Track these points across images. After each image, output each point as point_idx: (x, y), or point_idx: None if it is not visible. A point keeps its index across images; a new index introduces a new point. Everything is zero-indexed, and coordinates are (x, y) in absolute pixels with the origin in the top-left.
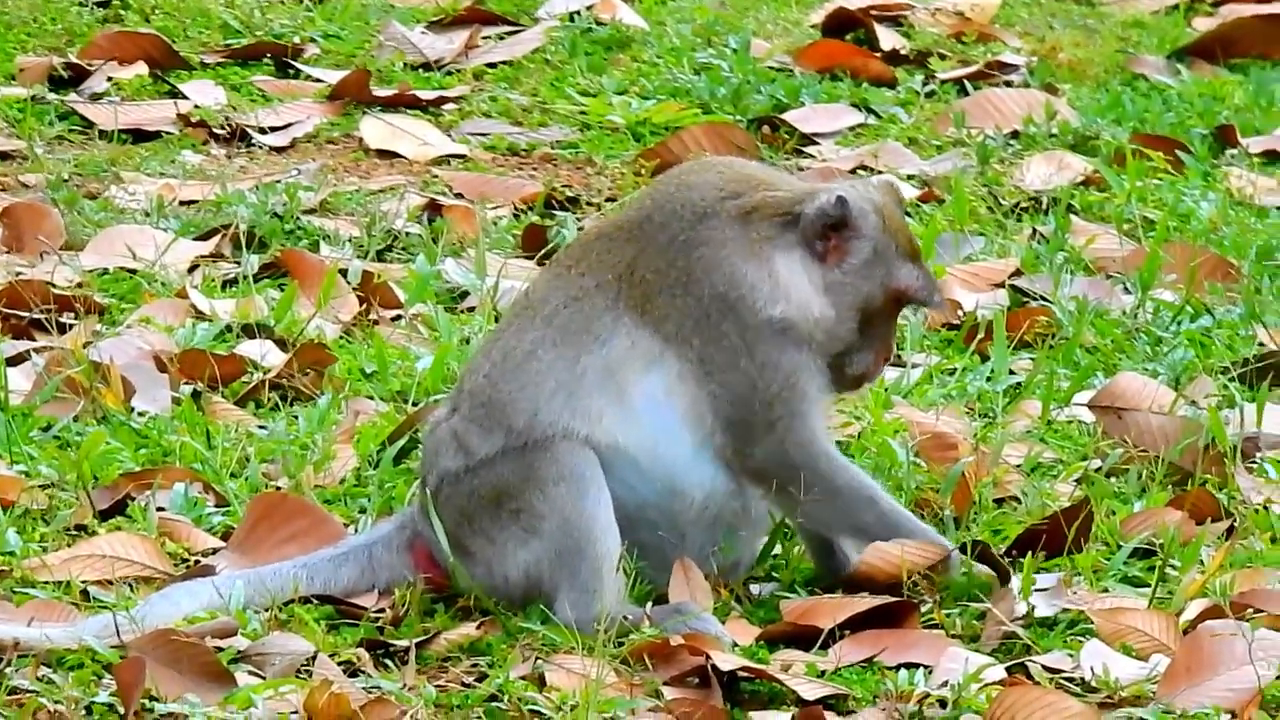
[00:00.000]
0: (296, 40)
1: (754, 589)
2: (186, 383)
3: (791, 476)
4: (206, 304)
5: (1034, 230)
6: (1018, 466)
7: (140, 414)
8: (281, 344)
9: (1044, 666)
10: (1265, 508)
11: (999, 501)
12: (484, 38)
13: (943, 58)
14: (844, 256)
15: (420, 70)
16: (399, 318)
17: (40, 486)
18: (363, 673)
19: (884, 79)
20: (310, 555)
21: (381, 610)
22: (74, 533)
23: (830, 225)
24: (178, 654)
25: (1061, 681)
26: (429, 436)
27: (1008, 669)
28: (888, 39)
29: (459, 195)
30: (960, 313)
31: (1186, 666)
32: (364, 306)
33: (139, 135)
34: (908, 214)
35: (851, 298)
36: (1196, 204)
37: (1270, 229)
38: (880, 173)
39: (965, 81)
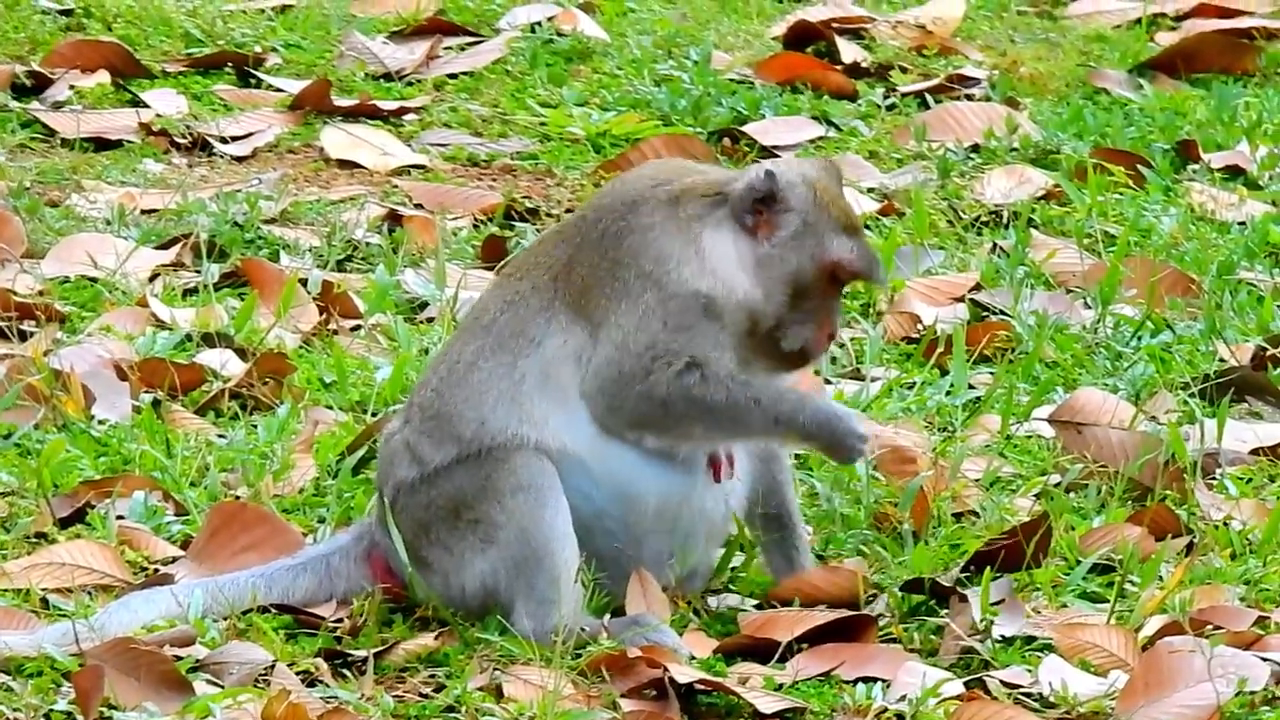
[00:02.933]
0: (258, 50)
1: (711, 601)
2: (146, 391)
3: (667, 410)
4: (167, 313)
5: (994, 244)
6: (977, 481)
7: (100, 422)
8: (241, 353)
9: (1002, 682)
10: (1225, 524)
11: (958, 516)
12: (445, 48)
13: (904, 71)
14: (773, 230)
15: (381, 80)
16: (358, 328)
17: (0, 494)
18: (321, 682)
19: (845, 92)
20: (269, 564)
21: (340, 620)
22: (33, 540)
23: (759, 199)
24: (136, 662)
25: (1019, 697)
26: (383, 448)
27: (966, 684)
28: (849, 52)
29: (419, 206)
30: (920, 326)
31: (1145, 683)
32: (324, 316)
33: (101, 144)
34: (867, 226)
35: (780, 270)
36: (1158, 219)
37: (1231, 244)
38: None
39: (926, 95)
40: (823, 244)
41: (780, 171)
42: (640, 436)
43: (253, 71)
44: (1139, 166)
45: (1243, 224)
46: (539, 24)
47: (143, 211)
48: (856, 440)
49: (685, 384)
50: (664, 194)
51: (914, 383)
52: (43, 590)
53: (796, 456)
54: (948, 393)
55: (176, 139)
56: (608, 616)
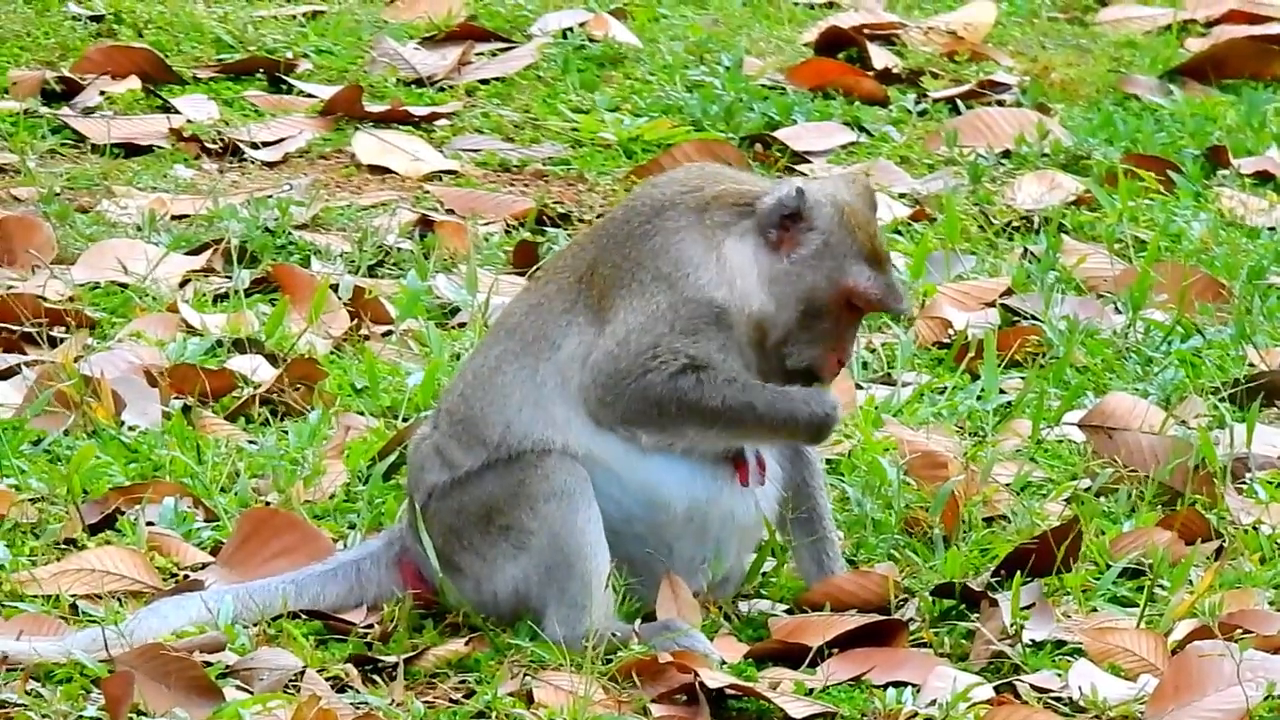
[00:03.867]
0: (289, 55)
1: (742, 606)
2: (177, 397)
3: (660, 409)
4: (197, 318)
5: (1025, 249)
6: (1007, 485)
7: (130, 428)
8: (272, 359)
9: (1032, 686)
10: (1255, 528)
11: (988, 520)
12: (477, 54)
13: (935, 76)
14: (795, 247)
15: (412, 86)
16: (390, 333)
17: (30, 500)
18: (351, 688)
19: (876, 97)
20: (299, 571)
21: (370, 626)
22: (63, 547)
23: (787, 215)
24: (166, 668)
25: (1050, 701)
26: (413, 453)
27: (996, 688)
28: (880, 58)
29: (450, 211)
30: (951, 331)
31: (1175, 687)
32: (355, 322)
33: (131, 149)
34: (898, 232)
35: (794, 287)
36: (1188, 224)
37: (1261, 250)
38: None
39: (957, 100)
40: (841, 268)
41: (811, 190)
42: (633, 433)
43: (284, 77)
44: (1169, 172)
45: (1273, 229)
46: (570, 29)
47: (173, 217)
48: (836, 412)
49: (680, 386)
50: (693, 200)
51: (945, 388)
52: (72, 596)
53: (828, 461)
54: (978, 397)
55: (207, 144)
56: (639, 622)
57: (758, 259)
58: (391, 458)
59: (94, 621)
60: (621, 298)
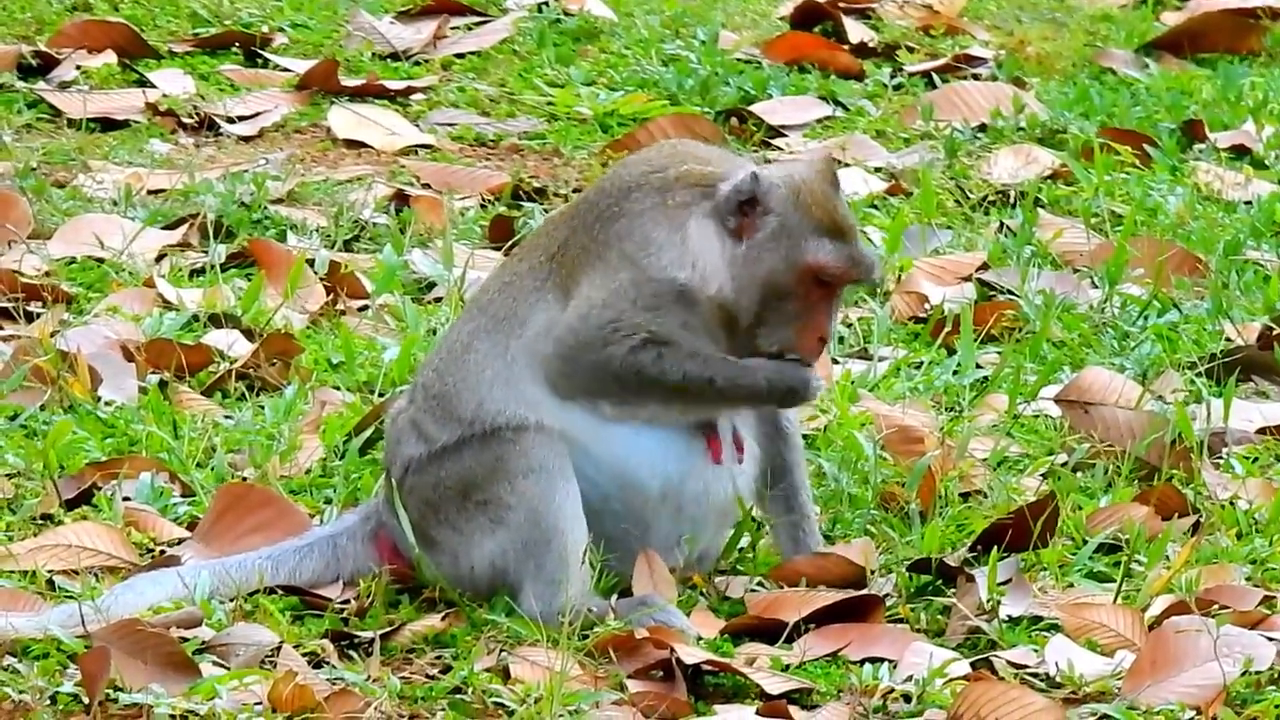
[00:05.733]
0: (265, 30)
1: (719, 581)
2: (153, 372)
3: (623, 382)
4: (174, 293)
5: (1001, 224)
6: (984, 461)
7: (107, 403)
8: (248, 334)
9: (1009, 662)
10: (1231, 503)
11: (965, 496)
12: (452, 28)
13: (910, 50)
14: (753, 232)
15: (388, 60)
16: (366, 308)
17: (6, 475)
18: (327, 664)
19: (852, 71)
20: (275, 546)
21: (346, 601)
22: (40, 522)
23: (743, 202)
24: (142, 644)
25: (1026, 677)
26: (390, 426)
27: (972, 664)
28: (856, 31)
29: (426, 185)
30: (927, 306)
31: (1152, 662)
32: (331, 297)
33: (107, 124)
34: (874, 206)
35: (753, 271)
36: (1164, 198)
37: (1238, 224)
38: (847, 165)
39: (933, 74)
40: (799, 246)
41: (764, 174)
42: (593, 404)
43: (260, 51)
44: (1145, 146)
45: (1249, 203)
46: (546, 3)
47: (149, 192)
48: (809, 387)
49: (639, 360)
50: (658, 180)
51: (921, 362)
52: (49, 572)
53: (805, 437)
54: (955, 372)
55: (183, 119)
56: (615, 597)
57: (721, 242)
58: (368, 432)
59: (71, 597)
60: (587, 275)
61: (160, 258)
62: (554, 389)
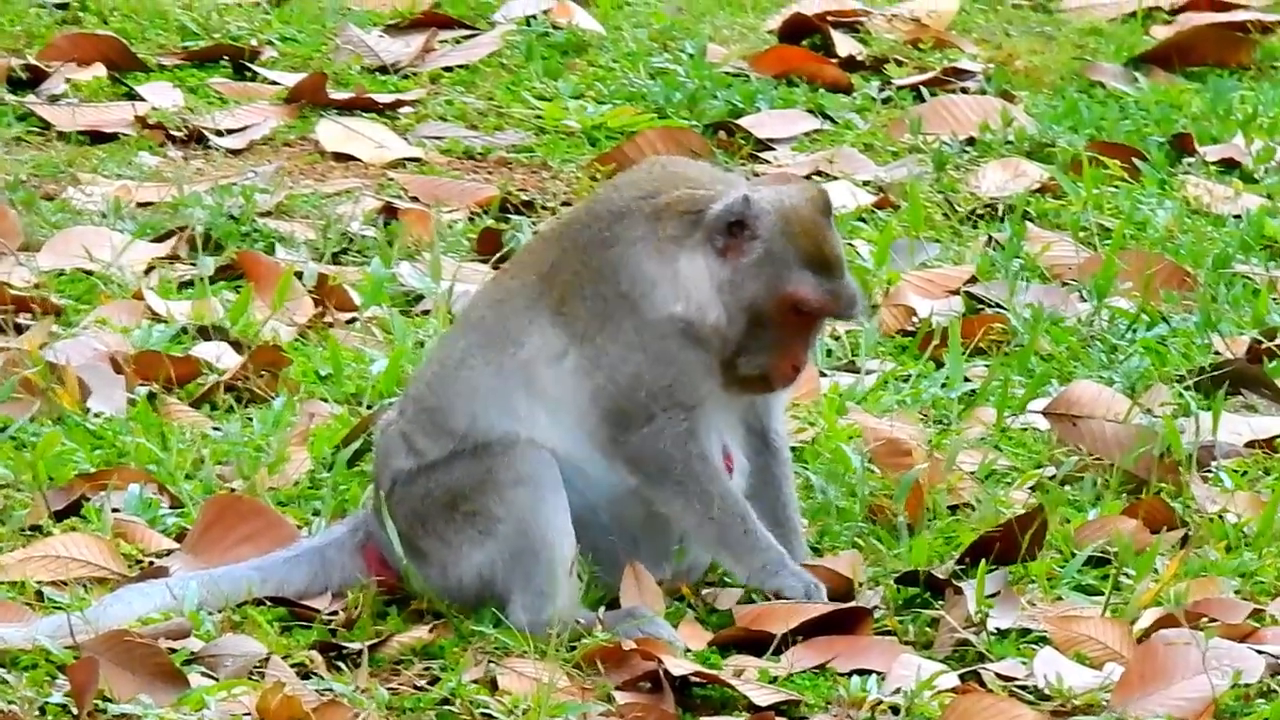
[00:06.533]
0: (254, 43)
1: (706, 593)
2: (142, 384)
3: (665, 468)
4: (162, 305)
5: (990, 237)
6: (972, 473)
7: (96, 415)
8: (237, 346)
9: (997, 674)
10: (1220, 517)
11: (953, 508)
12: (440, 41)
13: (899, 64)
14: (740, 255)
15: (376, 73)
16: (354, 320)
17: None
18: (315, 675)
19: (840, 85)
20: (263, 557)
21: (334, 613)
22: (29, 533)
23: (732, 223)
24: (131, 655)
25: (1015, 689)
26: (379, 438)
27: (960, 676)
28: (844, 45)
29: (414, 198)
30: (915, 319)
31: (1140, 675)
32: (319, 309)
33: (96, 137)
34: (862, 219)
35: (739, 296)
36: (1153, 212)
37: (1226, 237)
38: (835, 178)
39: (921, 88)
40: (781, 276)
41: (756, 198)
42: (627, 474)
43: (248, 64)
44: (1134, 160)
45: (1238, 217)
46: (534, 17)
47: (138, 205)
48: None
49: (688, 450)
50: (648, 207)
51: (909, 375)
52: (38, 583)
53: (793, 449)
54: (943, 385)
55: (172, 132)
56: (603, 609)
57: (710, 270)
58: (356, 444)
59: (59, 608)
60: (587, 311)
61: (149, 270)
62: (604, 454)
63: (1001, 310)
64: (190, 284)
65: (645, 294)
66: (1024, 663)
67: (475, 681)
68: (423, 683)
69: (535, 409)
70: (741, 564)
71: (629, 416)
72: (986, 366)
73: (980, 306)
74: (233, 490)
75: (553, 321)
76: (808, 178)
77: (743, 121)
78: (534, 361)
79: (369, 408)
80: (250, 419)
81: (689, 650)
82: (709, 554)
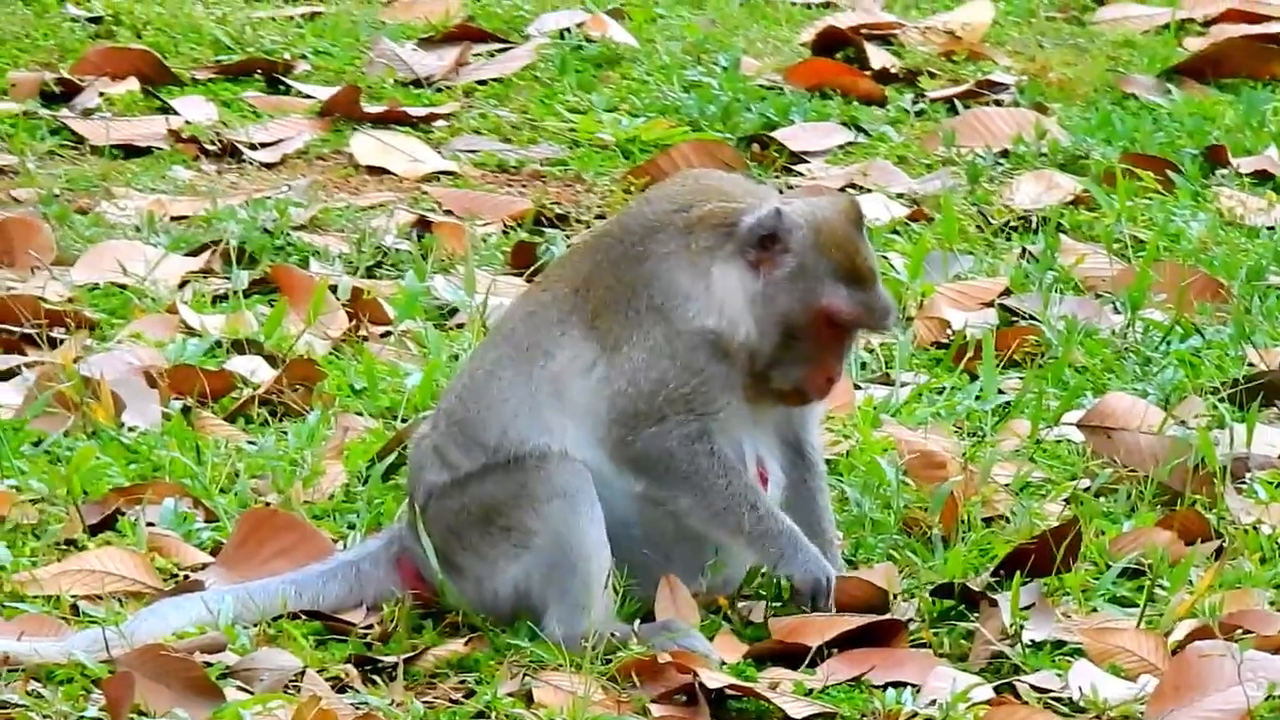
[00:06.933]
0: (287, 56)
1: (742, 606)
2: (176, 398)
3: (669, 466)
4: (196, 319)
5: (1023, 249)
6: (1006, 486)
7: (130, 429)
8: (271, 360)
9: (1032, 686)
10: (1255, 528)
11: (987, 521)
12: (474, 55)
13: (932, 76)
14: (772, 269)
15: (410, 87)
16: (388, 334)
17: (30, 501)
18: (351, 689)
19: (874, 97)
20: (299, 571)
21: (370, 626)
22: (64, 547)
23: (765, 236)
24: (166, 669)
25: (1049, 701)
26: (413, 452)
27: (995, 689)
28: (878, 58)
29: (448, 212)
30: (949, 332)
31: (1175, 687)
32: (353, 323)
33: (130, 151)
34: (895, 232)
35: (771, 310)
36: (1186, 224)
37: (1260, 249)
38: (869, 191)
39: (955, 100)
40: (814, 289)
41: (788, 211)
42: (635, 480)
43: (282, 78)
44: (1168, 171)
45: (1271, 229)
46: (568, 30)
47: (172, 218)
48: (821, 588)
49: (694, 449)
50: (681, 221)
51: (943, 388)
52: (73, 597)
53: (828, 462)
54: (977, 397)
55: (206, 146)
56: (638, 622)
57: (743, 282)
58: (390, 458)
59: (94, 622)
60: (619, 324)
61: (183, 284)
62: (611, 456)
63: (1035, 322)
64: (224, 298)
65: (678, 307)
66: (1059, 675)
67: (511, 695)
68: (458, 696)
69: (565, 421)
70: (755, 550)
71: (639, 418)
72: (1020, 379)
73: (1014, 319)
74: (268, 504)
75: (585, 335)
76: (841, 190)
77: (776, 134)
78: (564, 374)
79: (403, 421)
80: (285, 433)
81: (724, 663)
82: (724, 547)
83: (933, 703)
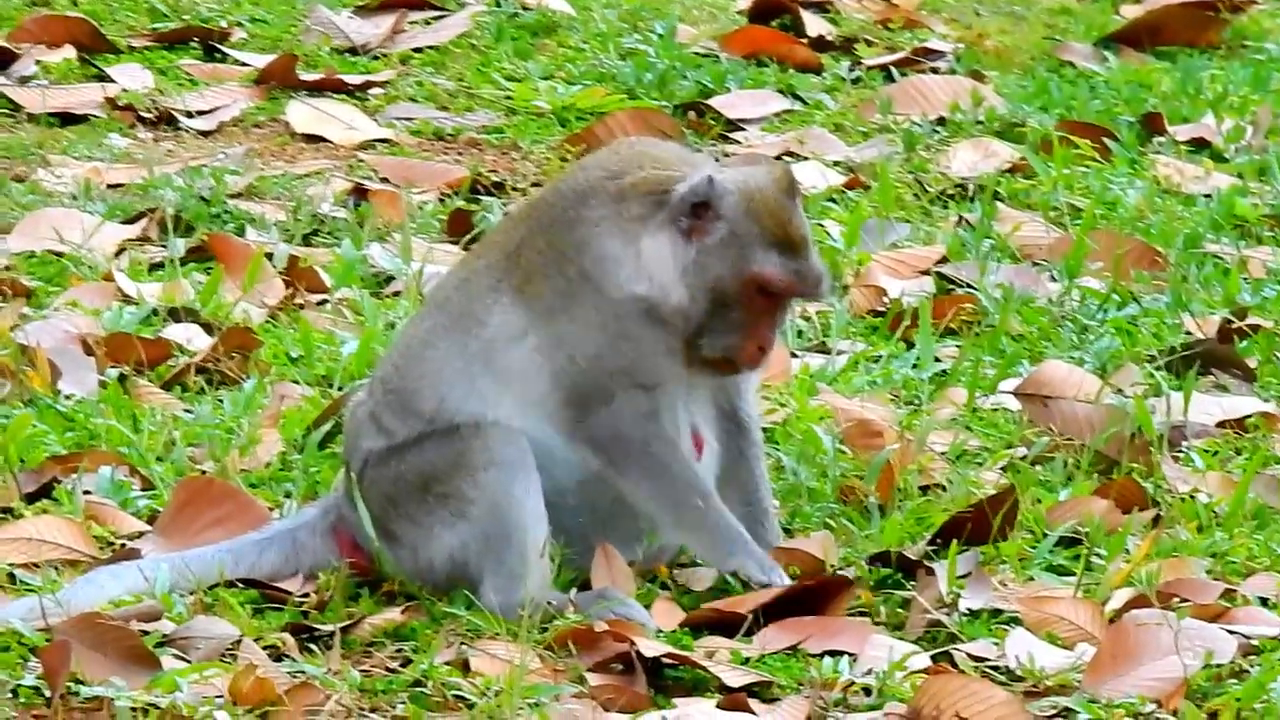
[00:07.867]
0: (223, 24)
1: (678, 574)
2: (113, 366)
3: (625, 449)
4: (133, 287)
5: (960, 217)
6: (943, 454)
7: (67, 397)
8: (207, 328)
9: (969, 655)
10: (1191, 497)
11: (924, 489)
12: (410, 22)
13: (869, 44)
14: (704, 236)
15: (346, 55)
16: (324, 302)
17: None
18: (287, 657)
19: (810, 65)
20: (235, 539)
21: (306, 595)
22: (0, 516)
23: (697, 204)
24: (103, 637)
25: (986, 670)
26: (350, 420)
27: (932, 657)
28: (814, 25)
29: (385, 180)
30: (886, 299)
31: (1112, 655)
32: (290, 291)
33: (66, 118)
34: (832, 200)
35: (703, 278)
36: (1123, 191)
37: (1197, 217)
38: (805, 159)
39: (891, 68)
40: (746, 256)
41: (720, 179)
42: (588, 455)
43: (218, 46)
44: (1104, 139)
45: (1208, 196)
46: None
47: (109, 186)
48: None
49: (647, 430)
50: (614, 188)
51: (880, 356)
52: (9, 566)
53: (764, 430)
54: (914, 366)
55: (142, 114)
56: (574, 591)
57: (674, 251)
58: (327, 426)
59: (31, 590)
60: (550, 291)
61: (119, 252)
62: (566, 438)
63: (972, 290)
64: (161, 266)
65: (608, 274)
66: (996, 643)
67: (447, 663)
68: (395, 665)
69: (500, 390)
70: (701, 544)
71: (589, 398)
72: (957, 347)
73: (951, 287)
74: (204, 472)
75: (515, 301)
76: (778, 158)
77: (713, 102)
78: (496, 341)
79: (340, 389)
80: (221, 401)
81: (661, 632)
82: (670, 535)
83: (869, 671)
